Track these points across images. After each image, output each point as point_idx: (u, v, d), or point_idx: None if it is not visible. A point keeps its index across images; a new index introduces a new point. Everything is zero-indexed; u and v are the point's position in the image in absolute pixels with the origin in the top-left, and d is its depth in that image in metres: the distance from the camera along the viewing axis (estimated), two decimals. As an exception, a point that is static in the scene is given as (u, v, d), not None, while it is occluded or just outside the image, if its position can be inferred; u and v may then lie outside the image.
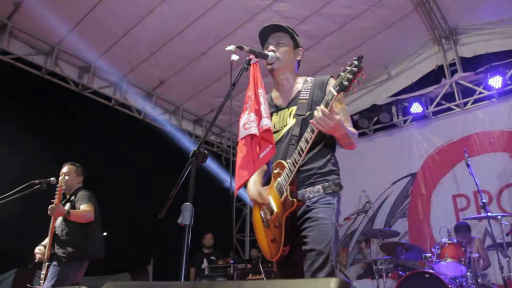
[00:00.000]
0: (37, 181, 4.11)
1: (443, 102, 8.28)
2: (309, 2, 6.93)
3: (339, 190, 2.47)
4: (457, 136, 7.90)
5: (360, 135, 9.18)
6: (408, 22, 7.81)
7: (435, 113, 8.39)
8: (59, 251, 4.22)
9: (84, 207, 4.35)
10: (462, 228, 6.02)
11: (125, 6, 6.49)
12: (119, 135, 8.62)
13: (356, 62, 2.03)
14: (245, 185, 2.52)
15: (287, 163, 2.40)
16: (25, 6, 6.26)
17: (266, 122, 2.36)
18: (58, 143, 6.66)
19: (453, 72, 8.20)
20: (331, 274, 2.19)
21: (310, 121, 2.22)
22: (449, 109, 8.22)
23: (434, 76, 8.42)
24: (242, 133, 2.40)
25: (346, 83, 2.03)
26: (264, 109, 2.40)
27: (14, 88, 6.56)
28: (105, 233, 6.53)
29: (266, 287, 1.62)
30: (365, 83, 9.23)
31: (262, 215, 2.57)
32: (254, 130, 2.35)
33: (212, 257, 7.88)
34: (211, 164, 9.22)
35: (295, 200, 2.33)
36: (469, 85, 8.01)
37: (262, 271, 6.11)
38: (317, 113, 2.11)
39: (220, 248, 8.35)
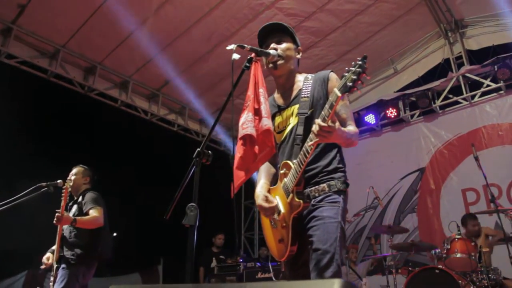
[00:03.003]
0: (44, 183, 4.08)
1: (450, 96, 8.21)
2: (313, -2, 6.88)
3: (346, 188, 2.41)
4: (465, 129, 7.85)
5: (368, 130, 9.14)
6: (413, 16, 7.77)
7: (442, 107, 8.32)
8: (67, 253, 4.18)
9: (92, 212, 4.29)
10: (468, 218, 5.97)
11: (128, 8, 6.49)
12: (127, 135, 8.64)
13: (360, 63, 1.97)
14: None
15: (293, 164, 2.36)
16: (30, 8, 6.27)
17: (266, 122, 2.31)
18: (65, 145, 6.68)
19: (460, 65, 8.13)
20: (337, 273, 2.15)
21: (310, 135, 2.19)
22: (457, 102, 8.15)
23: (441, 70, 8.35)
24: (240, 133, 2.34)
25: (350, 84, 1.98)
26: (265, 108, 2.35)
27: (20, 91, 6.58)
28: (114, 234, 6.53)
29: None
30: (372, 78, 9.17)
31: None
32: (250, 130, 2.28)
33: (221, 256, 7.87)
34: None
35: (301, 201, 2.30)
36: (476, 78, 7.94)
37: (271, 269, 6.10)
38: (315, 127, 2.07)
39: (229, 247, 8.34)
